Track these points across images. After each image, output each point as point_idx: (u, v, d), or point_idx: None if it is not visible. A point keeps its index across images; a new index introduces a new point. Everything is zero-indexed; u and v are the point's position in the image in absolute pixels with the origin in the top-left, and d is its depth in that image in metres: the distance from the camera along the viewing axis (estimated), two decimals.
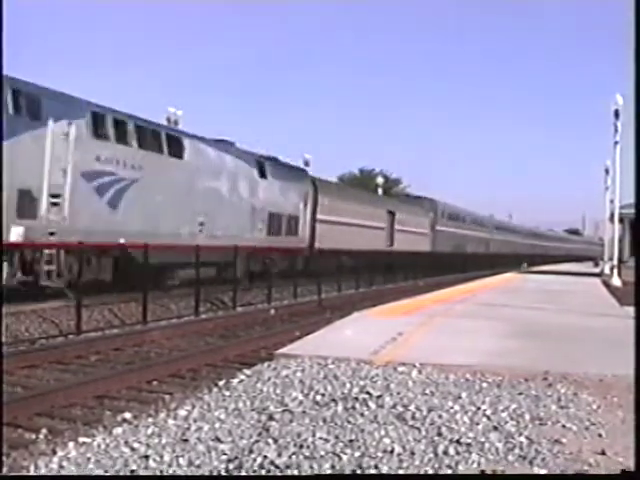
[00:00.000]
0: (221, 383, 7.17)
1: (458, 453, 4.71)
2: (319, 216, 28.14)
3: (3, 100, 12.71)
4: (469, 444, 4.90)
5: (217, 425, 5.37)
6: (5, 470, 5.22)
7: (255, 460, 4.51)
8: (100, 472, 4.43)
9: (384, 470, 4.37)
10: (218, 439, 5.00)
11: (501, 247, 63.14)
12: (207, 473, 4.37)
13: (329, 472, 4.35)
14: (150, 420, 5.69)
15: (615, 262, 31.28)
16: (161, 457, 4.63)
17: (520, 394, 6.54)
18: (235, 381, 7.12)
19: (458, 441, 4.97)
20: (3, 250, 12.64)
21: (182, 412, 5.85)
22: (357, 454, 4.65)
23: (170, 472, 4.41)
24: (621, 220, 33.33)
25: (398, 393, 6.41)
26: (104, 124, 15.79)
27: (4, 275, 13.03)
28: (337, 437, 5.02)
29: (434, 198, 46.32)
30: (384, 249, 34.62)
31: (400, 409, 5.85)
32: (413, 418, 5.58)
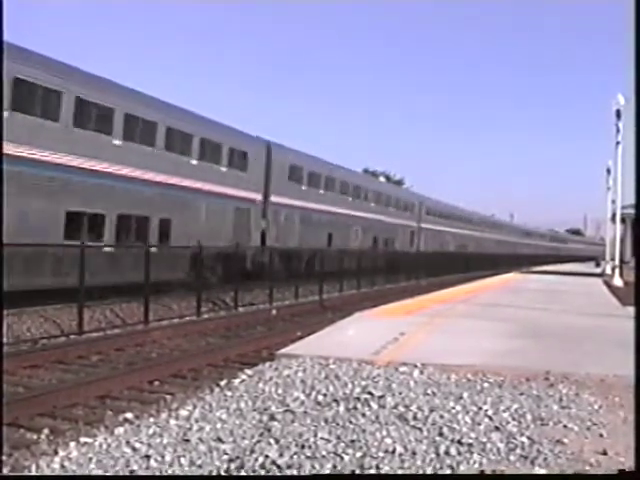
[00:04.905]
0: (222, 383, 7.17)
1: (460, 453, 4.71)
2: None
3: None
4: (471, 444, 4.90)
5: (218, 425, 5.37)
6: (7, 470, 5.23)
7: (257, 460, 4.51)
8: (101, 472, 4.43)
9: (385, 470, 4.37)
10: (219, 439, 4.99)
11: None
12: (208, 473, 4.37)
13: (330, 472, 4.35)
14: (151, 420, 5.69)
15: (617, 262, 31.24)
16: (162, 457, 4.63)
17: (522, 394, 6.54)
18: (236, 381, 7.12)
19: (460, 441, 4.97)
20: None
21: (183, 412, 5.84)
22: (359, 454, 4.65)
23: (171, 472, 4.41)
24: (623, 220, 33.26)
25: (400, 393, 6.40)
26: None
27: None
28: (339, 437, 5.02)
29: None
30: None
31: (402, 409, 5.85)
32: (415, 418, 5.57)
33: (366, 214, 34.81)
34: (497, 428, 5.34)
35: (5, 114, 13.14)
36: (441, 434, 5.14)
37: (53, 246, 14.55)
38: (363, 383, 6.79)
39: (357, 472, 4.35)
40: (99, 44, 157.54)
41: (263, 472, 4.35)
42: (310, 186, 28.05)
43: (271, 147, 24.87)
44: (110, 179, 16.61)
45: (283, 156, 25.64)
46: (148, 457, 4.63)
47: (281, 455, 4.61)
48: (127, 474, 4.41)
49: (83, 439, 5.25)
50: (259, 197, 23.99)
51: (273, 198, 24.58)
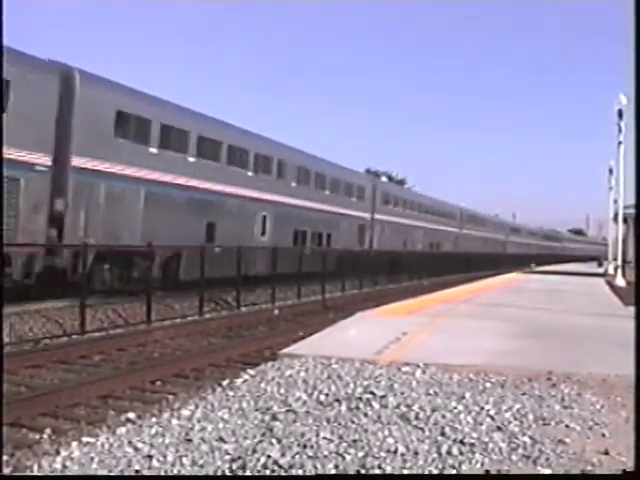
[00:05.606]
0: (225, 383, 7.17)
1: (462, 453, 4.71)
2: None
3: None
4: (473, 444, 4.90)
5: (221, 425, 5.38)
6: (9, 470, 5.24)
7: (259, 460, 4.51)
8: (104, 472, 4.43)
9: (388, 470, 4.37)
10: (222, 439, 5.00)
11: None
12: (211, 473, 4.37)
13: (333, 472, 4.35)
14: (154, 420, 5.70)
15: (619, 262, 31.19)
16: (165, 457, 4.63)
17: (524, 394, 6.53)
18: (239, 381, 7.12)
19: (462, 441, 4.97)
20: None
21: (186, 412, 5.85)
22: (361, 454, 4.65)
23: (174, 472, 4.41)
24: (625, 220, 33.19)
25: (402, 393, 6.40)
26: None
27: None
28: (341, 437, 5.02)
29: None
30: None
31: (404, 409, 5.84)
32: (417, 418, 5.57)
33: (282, 197, 24.95)
34: (499, 428, 5.34)
35: None
36: (443, 434, 5.14)
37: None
38: (365, 383, 6.79)
39: (359, 472, 4.35)
40: (99, 44, 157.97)
41: (265, 472, 4.35)
42: (167, 149, 18.30)
43: (72, 76, 14.97)
44: None
45: (101, 94, 15.75)
46: (150, 457, 4.64)
47: (283, 455, 4.61)
48: (129, 474, 4.41)
49: (85, 439, 5.26)
50: (44, 160, 14.22)
51: (78, 162, 15.19)
